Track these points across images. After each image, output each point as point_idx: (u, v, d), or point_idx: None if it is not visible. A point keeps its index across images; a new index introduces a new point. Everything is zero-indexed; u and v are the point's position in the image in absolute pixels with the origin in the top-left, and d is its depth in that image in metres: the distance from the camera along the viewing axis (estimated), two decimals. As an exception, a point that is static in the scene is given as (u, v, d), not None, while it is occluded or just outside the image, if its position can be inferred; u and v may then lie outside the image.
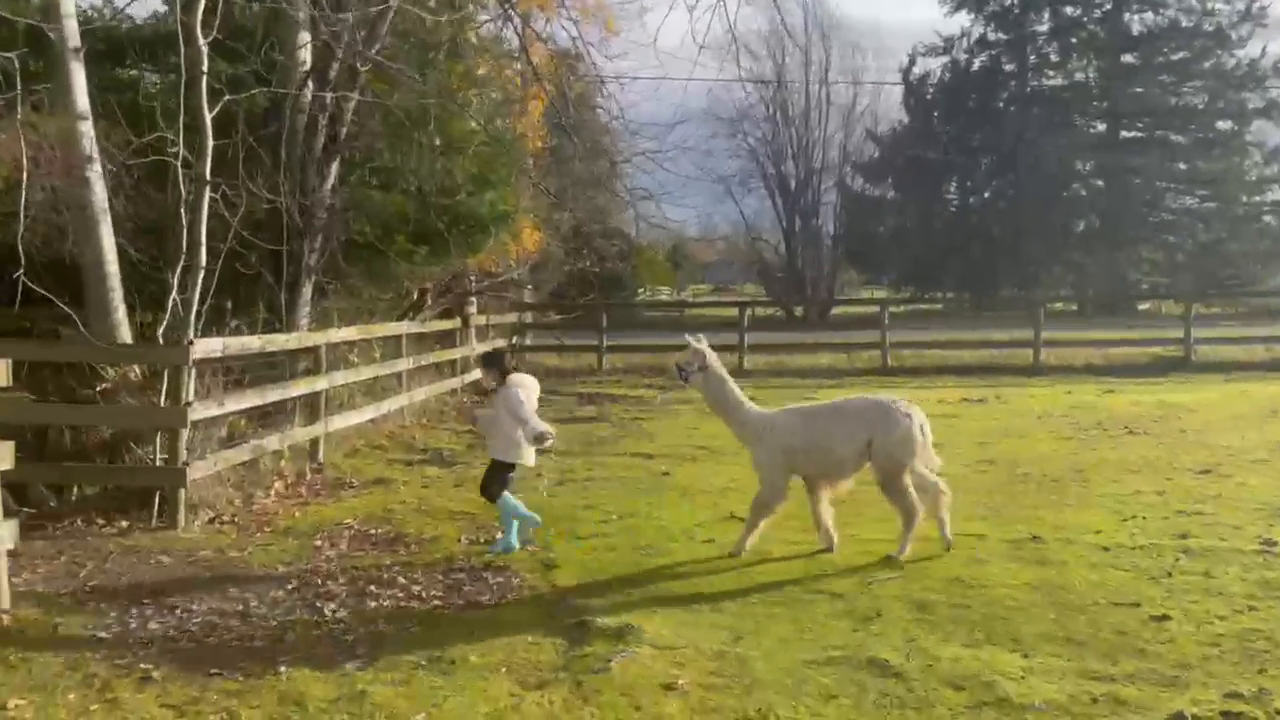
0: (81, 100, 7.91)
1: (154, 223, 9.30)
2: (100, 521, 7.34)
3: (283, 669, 4.61)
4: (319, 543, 6.93)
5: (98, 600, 5.65)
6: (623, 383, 16.70)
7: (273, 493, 8.33)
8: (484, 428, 7.01)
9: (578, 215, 16.27)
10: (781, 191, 40.13)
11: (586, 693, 4.33)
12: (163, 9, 11.49)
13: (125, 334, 8.25)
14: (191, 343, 7.40)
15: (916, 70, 40.55)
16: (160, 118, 8.48)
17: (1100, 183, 38.71)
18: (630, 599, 5.60)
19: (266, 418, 9.12)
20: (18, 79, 6.85)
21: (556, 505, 7.94)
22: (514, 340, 18.81)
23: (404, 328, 12.49)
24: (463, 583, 6.01)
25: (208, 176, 7.83)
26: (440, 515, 7.65)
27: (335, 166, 10.79)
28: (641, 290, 41.89)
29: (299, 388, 9.35)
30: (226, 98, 8.27)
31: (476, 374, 12.50)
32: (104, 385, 7.81)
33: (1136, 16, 38.03)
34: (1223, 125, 37.44)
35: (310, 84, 10.38)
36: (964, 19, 39.46)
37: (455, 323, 15.11)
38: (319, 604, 5.60)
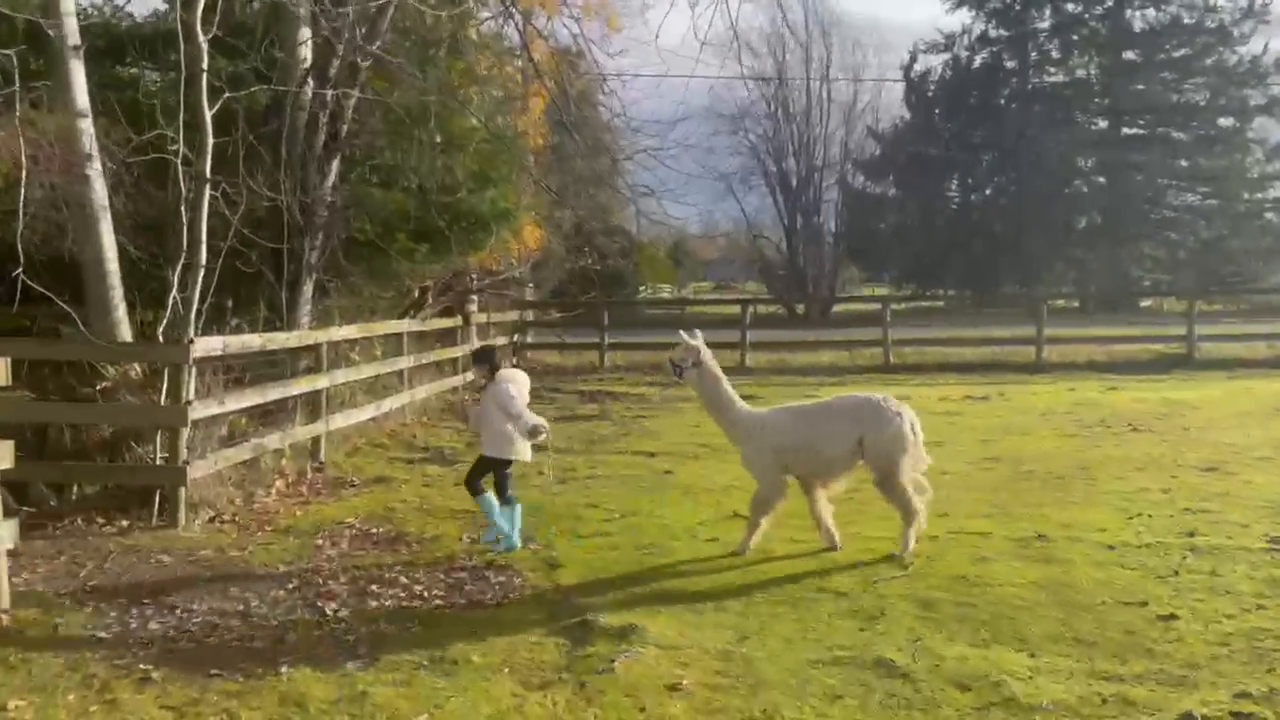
0: (81, 98, 7.87)
1: (154, 220, 9.27)
2: (100, 521, 7.31)
3: (283, 669, 4.58)
4: (320, 542, 6.90)
5: (98, 600, 5.62)
6: (624, 380, 16.66)
7: (274, 491, 8.30)
8: (475, 424, 6.97)
9: (579, 213, 16.22)
10: (783, 189, 40.07)
11: (590, 693, 4.29)
12: (163, 7, 11.47)
13: (125, 332, 8.22)
14: (192, 341, 7.37)
15: (918, 67, 40.53)
16: (160, 115, 8.45)
17: (1102, 180, 38.67)
18: (633, 598, 5.56)
19: (267, 416, 9.09)
20: (16, 76, 6.81)
21: (559, 504, 7.90)
22: (515, 338, 18.78)
23: (405, 326, 12.46)
24: (464, 582, 5.98)
25: (208, 174, 7.80)
26: (442, 514, 7.62)
27: (336, 164, 10.76)
28: (643, 288, 41.86)
29: (300, 386, 9.31)
30: (227, 95, 8.24)
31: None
32: (104, 384, 7.78)
33: (1138, 13, 37.97)
34: (1224, 122, 37.39)
35: (311, 81, 10.34)
36: (965, 16, 39.46)
37: (456, 321, 15.07)
38: (320, 603, 5.57)
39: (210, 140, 7.76)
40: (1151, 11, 37.81)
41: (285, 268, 10.19)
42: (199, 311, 7.86)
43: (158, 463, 7.49)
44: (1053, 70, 39.98)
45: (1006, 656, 4.60)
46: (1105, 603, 5.28)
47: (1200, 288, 27.77)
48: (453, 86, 11.79)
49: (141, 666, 4.63)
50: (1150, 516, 7.09)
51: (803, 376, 17.08)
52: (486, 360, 6.91)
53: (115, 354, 7.75)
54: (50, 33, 7.62)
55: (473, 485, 6.71)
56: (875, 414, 6.20)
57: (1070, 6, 38.51)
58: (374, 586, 5.86)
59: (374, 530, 7.22)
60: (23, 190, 6.97)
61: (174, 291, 7.88)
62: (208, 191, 7.85)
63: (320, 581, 5.98)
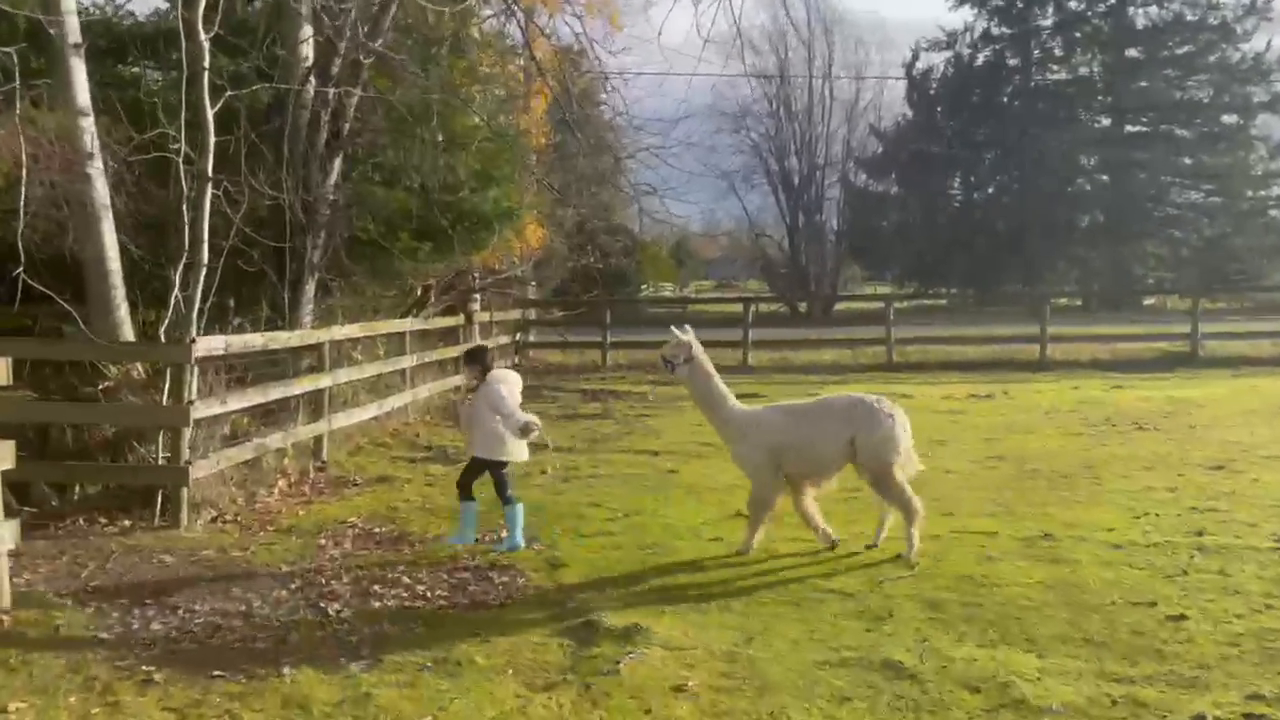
0: (82, 96, 7.84)
1: (156, 219, 9.24)
2: (102, 521, 7.29)
3: (286, 671, 4.55)
4: (322, 542, 6.87)
5: (100, 601, 5.59)
6: (627, 379, 16.62)
7: (276, 491, 8.27)
8: (466, 425, 6.91)
9: (581, 211, 16.19)
10: (785, 187, 40.00)
11: (595, 695, 4.26)
12: (164, 5, 11.43)
13: (127, 332, 8.19)
14: (194, 340, 7.34)
15: (920, 65, 40.47)
16: (162, 114, 8.42)
17: (1105, 177, 38.61)
18: (638, 598, 5.53)
19: (269, 416, 9.06)
20: (17, 74, 6.78)
21: (562, 503, 7.87)
22: (517, 337, 18.76)
23: (407, 325, 12.43)
24: (468, 582, 5.95)
25: (210, 173, 7.77)
26: (444, 514, 7.57)
27: (338, 163, 10.73)
28: (645, 287, 41.82)
29: (302, 385, 9.28)
30: (228, 93, 8.20)
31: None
32: (106, 383, 7.75)
33: (1141, 10, 37.90)
34: (1228, 119, 37.32)
35: (313, 79, 10.30)
36: (967, 13, 39.39)
37: (459, 320, 15.05)
38: (323, 604, 5.54)
39: (212, 139, 7.73)
40: (1154, 8, 37.73)
41: (287, 267, 10.16)
42: (201, 311, 7.83)
43: (160, 463, 7.47)
44: (1055, 68, 39.90)
45: (1015, 657, 4.56)
46: (1114, 603, 5.24)
47: (1204, 286, 27.69)
48: (455, 85, 11.75)
49: (144, 668, 4.60)
50: (1157, 515, 7.05)
51: (805, 375, 17.03)
52: (478, 361, 6.85)
53: (117, 353, 7.72)
54: (51, 31, 7.59)
55: (464, 488, 6.65)
56: (868, 414, 6.17)
57: (1073, 4, 38.43)
58: (377, 587, 5.83)
59: (377, 530, 7.19)
60: (23, 189, 6.94)
61: (176, 291, 7.85)
62: (209, 190, 7.82)
63: (323, 582, 5.95)
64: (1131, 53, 38.00)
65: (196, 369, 7.40)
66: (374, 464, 9.70)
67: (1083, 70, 39.34)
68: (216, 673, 4.53)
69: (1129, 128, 38.23)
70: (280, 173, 9.81)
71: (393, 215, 10.89)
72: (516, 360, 18.44)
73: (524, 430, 6.45)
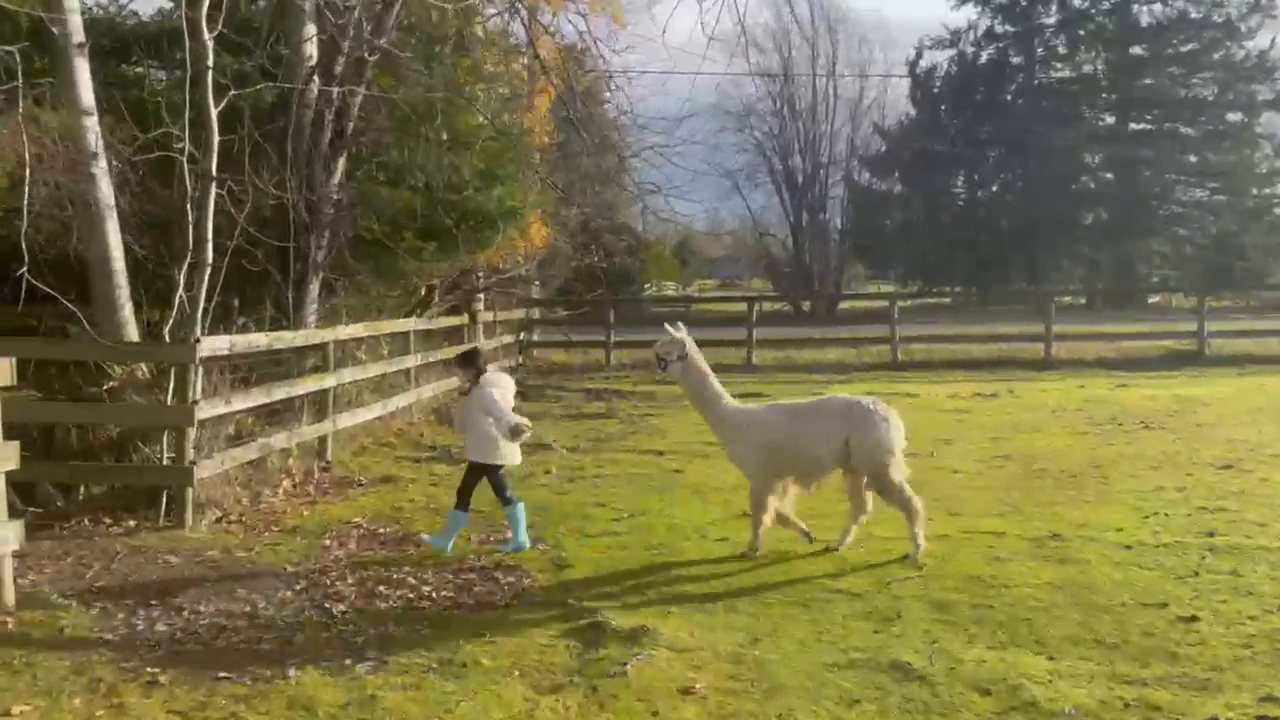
0: (86, 96, 7.82)
1: (160, 219, 9.22)
2: (107, 521, 7.27)
3: (291, 672, 4.53)
4: (327, 542, 6.85)
5: (104, 601, 5.57)
6: (631, 378, 16.59)
7: (280, 491, 8.25)
8: (459, 429, 6.86)
9: (585, 210, 16.16)
10: (789, 186, 39.96)
11: (602, 697, 4.23)
12: (168, 4, 11.41)
13: (132, 332, 8.17)
14: (198, 340, 7.32)
15: (923, 63, 40.42)
16: (166, 113, 8.39)
17: (1109, 175, 38.53)
18: (644, 599, 5.50)
19: (274, 416, 9.04)
20: (20, 73, 6.76)
21: (567, 503, 7.85)
22: (521, 336, 18.73)
23: (412, 324, 12.40)
24: (473, 583, 5.92)
25: (214, 172, 7.75)
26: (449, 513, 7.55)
27: (342, 162, 10.70)
28: (648, 286, 41.79)
29: (307, 385, 9.26)
30: (232, 93, 8.18)
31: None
32: (111, 384, 7.73)
33: (1145, 8, 37.82)
34: (1233, 117, 37.24)
35: (316, 78, 10.28)
36: (971, 11, 39.37)
37: (463, 319, 15.02)
38: (328, 605, 5.52)
39: (216, 138, 7.71)
40: (1158, 6, 37.66)
41: (292, 266, 10.14)
42: (205, 310, 7.82)
43: (164, 463, 7.45)
44: (1059, 65, 39.83)
45: (1025, 659, 4.53)
46: (1124, 604, 5.21)
47: (1210, 284, 27.62)
48: (459, 84, 11.72)
49: (148, 669, 4.58)
50: (1166, 515, 7.01)
51: (810, 374, 16.99)
52: (471, 364, 6.74)
53: (122, 354, 7.70)
54: (54, 30, 7.57)
55: (462, 495, 6.57)
56: (863, 416, 6.14)
57: (1077, 2, 38.37)
58: (382, 587, 5.81)
59: (381, 530, 7.17)
60: (27, 189, 6.92)
61: (180, 290, 7.83)
62: (214, 190, 7.80)
63: (328, 582, 5.93)
64: (1136, 50, 37.92)
65: (201, 369, 7.38)
66: (378, 464, 9.68)
67: (1087, 68, 39.26)
68: (222, 674, 4.51)
69: (1133, 125, 38.16)
70: (284, 172, 9.79)
71: (397, 214, 10.87)
72: (521, 359, 18.43)
73: (514, 432, 6.40)
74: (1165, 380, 15.14)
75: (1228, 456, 9.05)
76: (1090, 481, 8.24)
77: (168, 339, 7.89)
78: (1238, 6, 36.09)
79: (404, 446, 10.58)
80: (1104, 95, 38.56)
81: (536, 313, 19.89)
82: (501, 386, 6.60)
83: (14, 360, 5.33)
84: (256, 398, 8.29)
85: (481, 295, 15.83)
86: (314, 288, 10.56)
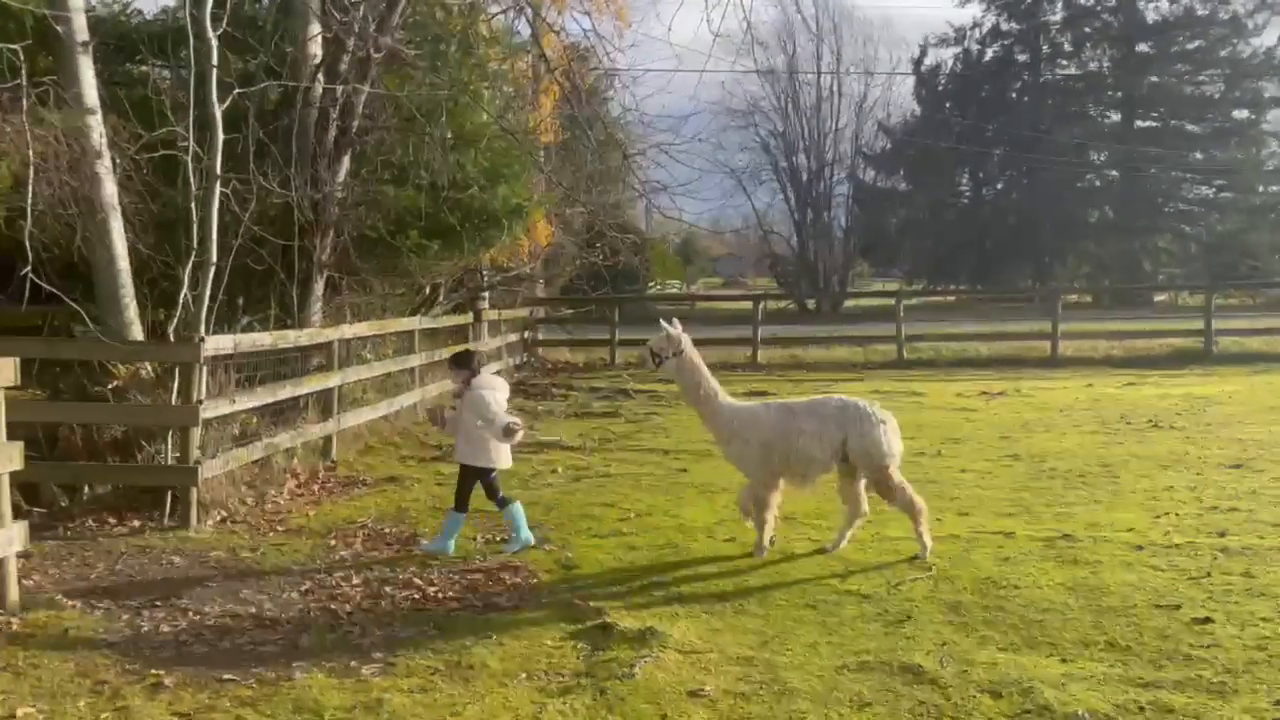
0: (90, 94, 7.79)
1: (164, 218, 9.18)
2: (112, 521, 7.24)
3: (297, 674, 4.49)
4: (333, 542, 6.81)
5: (109, 602, 5.53)
6: (636, 377, 16.54)
7: (285, 491, 8.22)
8: (450, 431, 6.78)
9: (590, 209, 16.09)
10: (793, 184, 39.89)
11: (611, 700, 4.19)
12: (172, 3, 11.36)
13: (137, 331, 8.14)
14: (203, 340, 7.29)
15: (928, 61, 40.34)
16: (170, 112, 8.36)
17: (1115, 173, 38.46)
18: (652, 600, 5.46)
19: (279, 415, 9.00)
20: (23, 72, 6.73)
21: (574, 503, 7.81)
22: (526, 335, 18.69)
23: (416, 323, 12.37)
24: (480, 583, 5.88)
25: (218, 171, 7.71)
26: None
27: (347, 160, 10.66)
28: (652, 284, 41.76)
29: (311, 384, 9.23)
30: (237, 91, 8.15)
31: (489, 369, 12.38)
32: (115, 383, 7.70)
33: (1151, 5, 37.73)
34: (1239, 114, 37.16)
35: (321, 77, 10.24)
36: (976, 9, 39.42)
37: (468, 318, 14.98)
38: (333, 606, 5.48)
39: (221, 137, 7.67)
40: (1164, 3, 37.59)
41: (296, 265, 10.10)
42: (210, 310, 7.78)
43: (169, 463, 7.42)
44: (1065, 63, 39.75)
45: (1038, 662, 4.48)
46: (1137, 605, 5.15)
47: (1216, 281, 27.53)
48: (464, 82, 11.66)
49: (153, 671, 4.54)
50: (1178, 516, 6.95)
51: (816, 372, 16.94)
52: (465, 365, 6.66)
53: (126, 353, 7.67)
54: (58, 29, 7.54)
55: (459, 498, 6.54)
56: (859, 417, 6.10)
57: (1082, -1, 38.29)
58: (388, 588, 5.77)
59: (387, 530, 7.13)
60: (31, 188, 6.89)
61: (185, 290, 7.79)
62: (218, 189, 7.77)
63: (334, 583, 5.90)
64: (1142, 47, 37.82)
65: (206, 368, 7.36)
66: (383, 463, 9.66)
67: (1092, 65, 39.18)
68: (227, 676, 4.47)
69: (1139, 123, 38.07)
70: (289, 171, 9.75)
71: (402, 213, 10.81)
72: (526, 358, 18.39)
73: (507, 432, 6.34)
74: (1174, 378, 15.07)
75: (1239, 456, 8.98)
76: (1100, 481, 8.19)
77: (172, 338, 7.85)
78: (1244, 3, 36.03)
79: (409, 446, 10.55)
80: (1110, 92, 38.47)
81: (541, 311, 19.86)
82: (494, 388, 6.53)
83: (18, 360, 5.30)
84: (261, 397, 8.26)
85: (486, 294, 15.79)
86: (318, 286, 10.52)
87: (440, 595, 5.66)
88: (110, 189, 7.93)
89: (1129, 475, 8.36)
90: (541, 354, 19.29)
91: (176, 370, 7.43)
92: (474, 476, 6.51)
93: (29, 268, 6.86)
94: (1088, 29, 38.73)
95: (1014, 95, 39.46)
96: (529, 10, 12.45)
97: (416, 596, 5.65)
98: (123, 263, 8.04)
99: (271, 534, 7.06)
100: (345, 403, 10.03)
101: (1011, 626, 4.92)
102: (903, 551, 6.17)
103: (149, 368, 7.81)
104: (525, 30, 13.93)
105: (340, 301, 11.18)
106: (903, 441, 6.24)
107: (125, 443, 7.75)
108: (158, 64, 10.78)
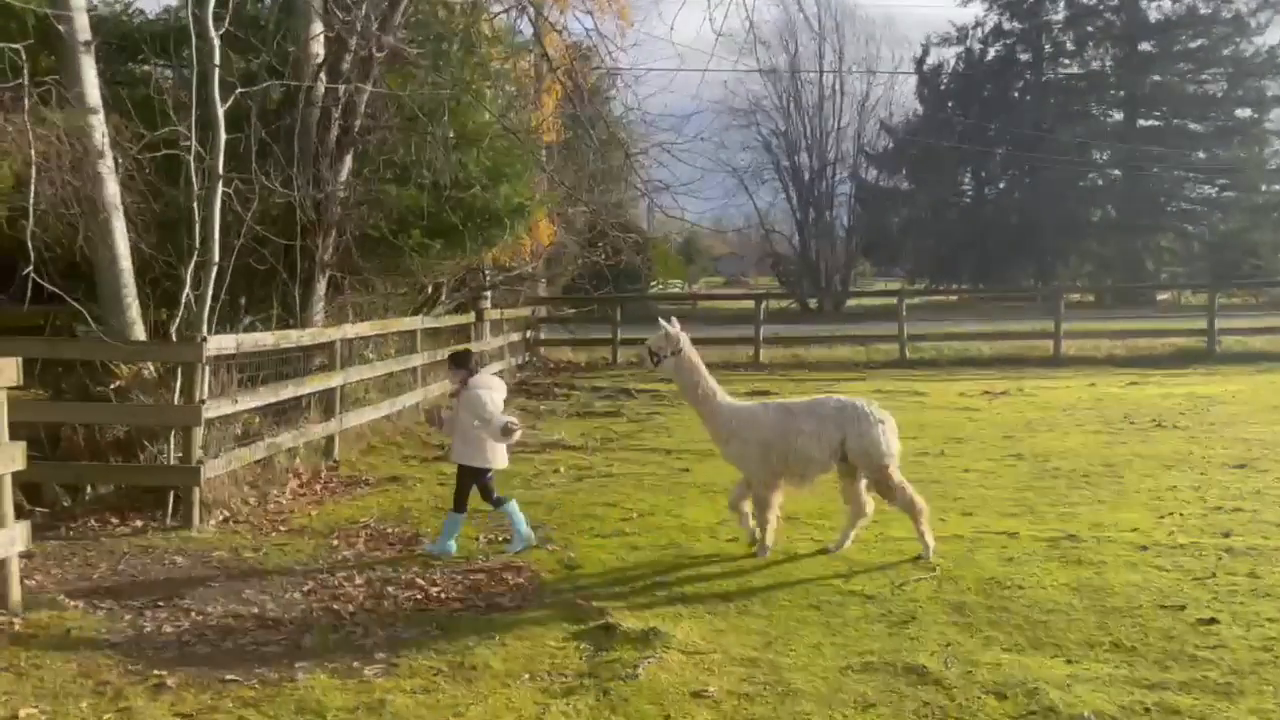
0: (92, 94, 7.78)
1: (167, 218, 9.18)
2: (114, 521, 7.24)
3: (300, 675, 4.48)
4: (335, 542, 6.81)
5: (111, 602, 5.53)
6: (638, 376, 16.53)
7: (288, 491, 8.22)
8: (448, 431, 6.76)
9: (592, 208, 16.08)
10: (795, 183, 39.87)
11: (614, 701, 4.18)
12: (174, 2, 11.36)
13: (139, 331, 8.14)
14: (205, 339, 7.28)
15: (930, 60, 40.32)
16: (172, 112, 8.35)
17: (1117, 172, 38.41)
18: (655, 600, 5.45)
19: (281, 415, 9.00)
20: (25, 72, 6.72)
21: (576, 503, 7.80)
22: (528, 334, 18.68)
23: (418, 323, 12.37)
24: (482, 583, 5.87)
25: (220, 171, 7.71)
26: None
27: (349, 160, 10.65)
28: (654, 284, 41.74)
29: (314, 384, 9.22)
30: (239, 91, 8.13)
31: (491, 368, 12.38)
32: (118, 383, 7.70)
33: (1154, 4, 37.72)
34: (1241, 114, 37.13)
35: (323, 76, 10.23)
36: (978, 8, 39.43)
37: (470, 317, 14.98)
38: (336, 606, 5.47)
39: (223, 136, 7.67)
40: (1167, 2, 37.55)
41: (298, 265, 10.09)
42: (212, 309, 7.77)
43: (171, 463, 7.41)
44: (1067, 62, 39.73)
45: (1042, 663, 4.47)
46: (1142, 606, 5.13)
47: (1218, 280, 27.49)
48: (466, 81, 11.65)
49: (155, 672, 4.53)
50: (1182, 516, 6.93)
51: (819, 372, 16.93)
52: (463, 365, 6.62)
53: (129, 353, 7.67)
54: (60, 28, 7.53)
55: (458, 499, 6.52)
56: (858, 417, 6.09)
57: (1085, -2, 38.25)
58: (390, 588, 5.76)
59: (389, 530, 7.13)
60: (33, 187, 6.88)
61: (187, 289, 7.79)
62: (220, 188, 7.76)
63: (336, 583, 5.89)
64: (1144, 46, 37.78)
65: (208, 368, 7.35)
66: (385, 463, 9.65)
67: (1095, 64, 39.17)
68: (229, 677, 4.46)
69: (1142, 122, 38.03)
70: (291, 170, 9.74)
71: (404, 212, 10.81)
72: (529, 357, 18.38)
73: (505, 432, 6.32)
74: (1177, 378, 15.04)
75: (1243, 456, 8.96)
76: (1104, 481, 8.17)
77: (174, 338, 7.85)
78: (1246, 2, 35.97)
79: (411, 445, 10.54)
80: (1112, 91, 38.43)
81: (543, 311, 19.86)
82: (491, 388, 6.51)
83: (20, 360, 5.29)
84: (264, 397, 8.26)
85: (488, 293, 15.79)
86: (321, 286, 10.52)
87: (443, 595, 5.65)
88: (112, 189, 7.93)
89: (1133, 475, 8.34)
90: (544, 353, 19.29)
91: (179, 370, 7.42)
92: (471, 477, 6.50)
93: (31, 267, 6.86)
94: (1090, 28, 38.70)
95: (1016, 94, 39.43)
96: (531, 9, 12.43)
97: (419, 597, 5.64)
98: (125, 262, 8.04)
99: (274, 534, 7.06)
100: (347, 402, 10.03)
101: (1016, 627, 4.91)
102: (906, 552, 6.16)
103: (151, 368, 7.81)
104: (527, 29, 13.91)
105: (342, 301, 11.17)
106: (905, 441, 6.24)
107: (127, 443, 7.75)
108: (160, 63, 10.77)
